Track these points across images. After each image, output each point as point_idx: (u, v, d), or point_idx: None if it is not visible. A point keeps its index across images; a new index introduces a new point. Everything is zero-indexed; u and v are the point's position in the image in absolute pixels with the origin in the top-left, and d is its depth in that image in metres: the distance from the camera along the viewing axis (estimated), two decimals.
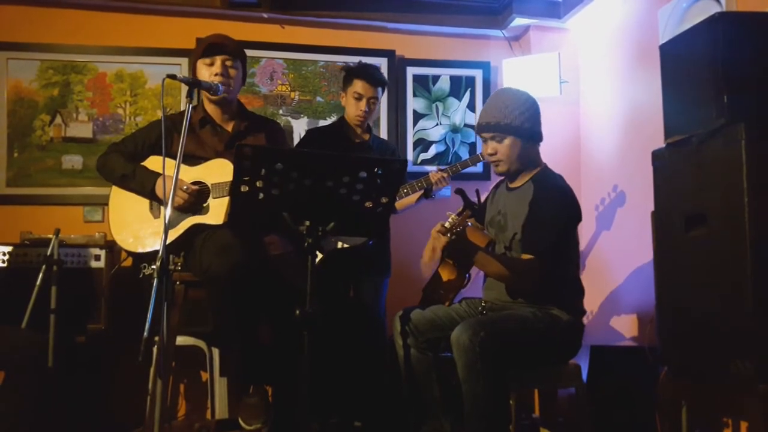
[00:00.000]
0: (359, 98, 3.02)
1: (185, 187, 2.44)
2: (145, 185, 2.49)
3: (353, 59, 3.30)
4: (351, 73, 3.07)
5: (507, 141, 2.44)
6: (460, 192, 2.39)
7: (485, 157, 2.58)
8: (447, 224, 2.27)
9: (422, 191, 3.05)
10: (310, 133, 3.27)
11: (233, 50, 2.59)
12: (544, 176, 2.51)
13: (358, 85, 3.02)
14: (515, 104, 2.43)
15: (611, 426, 2.69)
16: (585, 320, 3.51)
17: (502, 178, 2.65)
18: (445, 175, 3.01)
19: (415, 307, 2.57)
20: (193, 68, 2.62)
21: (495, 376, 2.18)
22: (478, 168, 3.58)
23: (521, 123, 2.42)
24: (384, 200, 1.99)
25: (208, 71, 2.54)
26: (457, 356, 2.20)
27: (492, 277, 2.43)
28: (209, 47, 2.55)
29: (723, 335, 1.88)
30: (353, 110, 3.05)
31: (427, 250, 2.62)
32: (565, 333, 2.39)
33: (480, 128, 2.50)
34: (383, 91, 3.13)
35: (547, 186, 2.46)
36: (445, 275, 2.63)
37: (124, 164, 2.55)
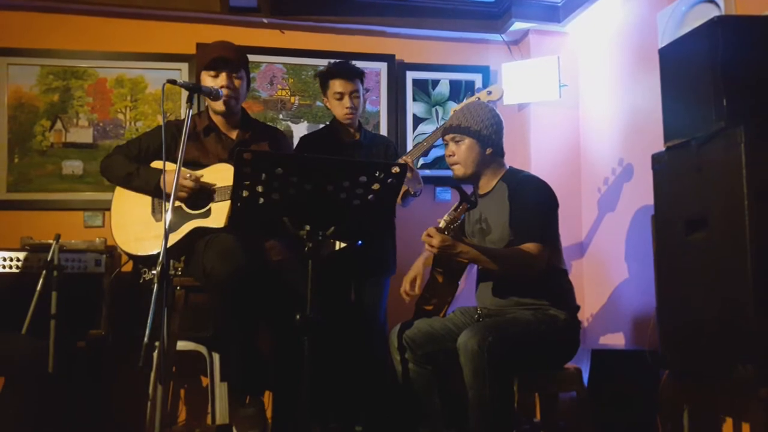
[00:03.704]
0: (341, 97, 3.01)
1: (188, 175, 2.45)
2: (149, 181, 2.51)
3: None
4: (325, 76, 3.07)
5: (466, 142, 2.52)
6: (456, 187, 2.39)
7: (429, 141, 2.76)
8: (442, 224, 2.25)
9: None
10: (303, 140, 3.26)
11: (237, 62, 2.59)
12: (513, 173, 2.59)
13: (336, 85, 3.01)
14: (480, 113, 2.54)
15: (612, 430, 2.69)
16: (585, 323, 3.53)
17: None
18: (408, 159, 2.86)
19: (410, 322, 2.55)
20: (197, 76, 2.63)
21: (502, 380, 2.19)
22: None
23: (481, 129, 2.51)
24: (383, 204, 1.99)
25: (212, 83, 2.55)
26: (465, 362, 2.20)
27: (496, 269, 2.37)
28: (213, 61, 2.55)
29: (724, 338, 1.88)
30: (340, 110, 3.04)
31: (407, 279, 2.65)
32: (565, 333, 2.41)
33: (444, 131, 2.62)
34: (363, 83, 3.11)
35: (519, 178, 2.54)
36: (437, 285, 2.62)
37: (128, 164, 2.57)
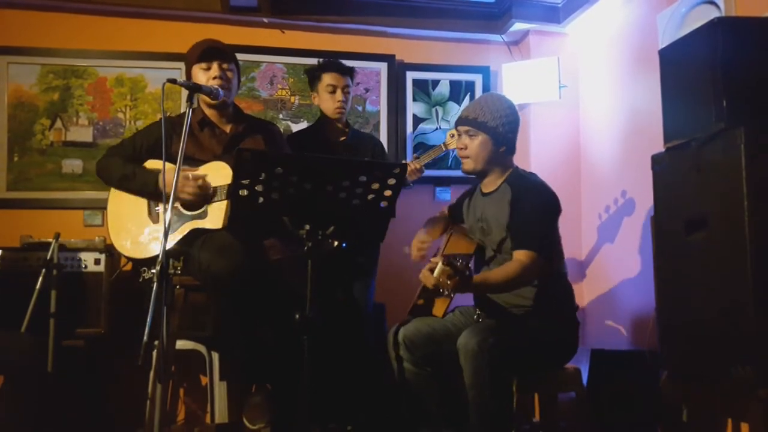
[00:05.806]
0: (333, 90, 3.01)
1: (190, 176, 2.42)
2: (147, 183, 2.49)
3: (353, 64, 3.29)
4: (317, 71, 3.06)
5: (479, 138, 2.45)
6: (449, 263, 2.22)
7: (446, 147, 2.78)
8: (433, 279, 2.05)
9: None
10: (291, 138, 3.23)
11: (229, 54, 2.61)
12: (517, 176, 2.53)
13: (329, 78, 3.01)
14: (498, 107, 2.47)
15: (612, 430, 2.69)
16: (585, 323, 3.53)
17: (475, 186, 2.66)
18: (418, 165, 2.99)
19: (407, 321, 2.52)
20: (188, 73, 2.63)
21: (502, 381, 2.18)
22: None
23: (497, 125, 2.44)
24: (384, 203, 1.99)
25: (205, 76, 2.55)
26: (464, 362, 2.19)
27: (499, 292, 2.41)
28: (205, 52, 2.56)
29: (723, 339, 1.88)
30: (330, 104, 3.02)
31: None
32: (564, 333, 2.41)
33: (458, 121, 2.53)
34: (353, 80, 3.11)
35: (523, 183, 2.47)
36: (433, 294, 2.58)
37: (123, 165, 2.56)
